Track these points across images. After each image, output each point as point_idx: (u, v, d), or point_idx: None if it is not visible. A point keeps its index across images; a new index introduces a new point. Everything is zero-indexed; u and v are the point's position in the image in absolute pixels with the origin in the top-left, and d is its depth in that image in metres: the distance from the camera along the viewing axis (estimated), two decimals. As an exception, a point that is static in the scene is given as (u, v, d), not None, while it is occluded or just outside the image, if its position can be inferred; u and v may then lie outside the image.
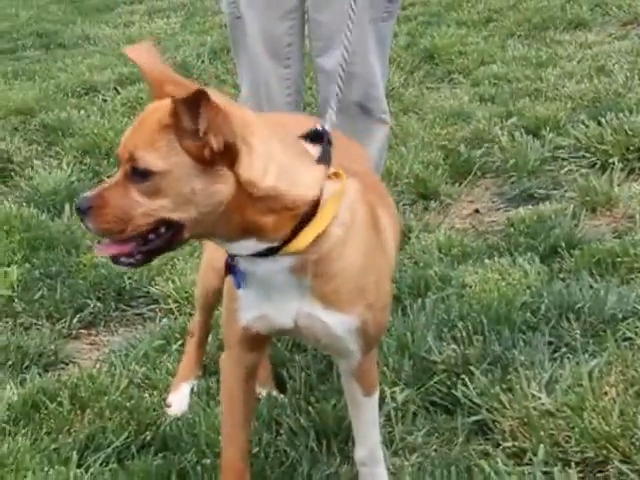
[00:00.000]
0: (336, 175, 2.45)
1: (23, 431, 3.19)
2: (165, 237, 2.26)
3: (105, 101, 7.23)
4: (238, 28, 4.04)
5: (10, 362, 3.69)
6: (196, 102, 2.14)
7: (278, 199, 2.28)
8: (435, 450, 2.97)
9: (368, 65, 4.01)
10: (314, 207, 2.35)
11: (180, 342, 3.68)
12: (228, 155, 2.20)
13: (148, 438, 3.15)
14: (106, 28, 10.25)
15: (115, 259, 2.29)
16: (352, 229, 2.43)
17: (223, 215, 2.24)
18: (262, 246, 2.32)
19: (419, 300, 3.80)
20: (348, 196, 2.44)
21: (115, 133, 6.24)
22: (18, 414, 3.30)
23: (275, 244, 2.32)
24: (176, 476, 2.91)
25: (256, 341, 2.57)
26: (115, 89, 7.40)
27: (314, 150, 2.49)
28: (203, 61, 8.13)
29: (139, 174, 2.19)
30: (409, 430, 3.08)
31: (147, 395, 3.39)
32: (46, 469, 2.95)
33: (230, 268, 2.45)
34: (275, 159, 2.29)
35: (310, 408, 3.14)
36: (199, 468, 2.92)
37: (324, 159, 2.46)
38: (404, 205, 4.98)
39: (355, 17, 3.85)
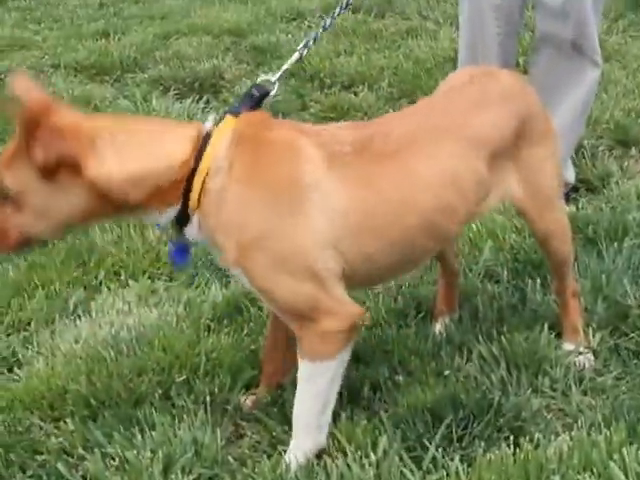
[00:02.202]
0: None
1: (226, 330, 3.37)
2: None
3: (311, 27, 7.36)
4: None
5: (215, 264, 3.86)
6: (31, 122, 2.33)
7: (142, 179, 2.45)
8: (625, 393, 2.96)
9: (583, 4, 4.01)
10: (196, 163, 2.48)
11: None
12: (69, 167, 2.38)
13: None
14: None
15: None
16: (230, 179, 2.49)
17: (98, 213, 2.49)
18: (170, 214, 2.52)
19: (615, 244, 3.77)
20: (226, 143, 2.51)
21: (319, 58, 6.39)
22: (222, 314, 3.49)
23: (177, 210, 2.51)
24: (368, 388, 3.01)
25: None
26: (321, 16, 7.51)
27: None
28: (406, -4, 8.14)
29: (4, 193, 2.46)
30: (600, 371, 3.09)
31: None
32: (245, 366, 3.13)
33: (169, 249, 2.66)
34: (124, 149, 2.44)
35: (502, 337, 3.18)
36: (390, 383, 3.02)
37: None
38: (602, 150, 4.92)
39: None
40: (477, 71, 3.11)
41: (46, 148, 2.34)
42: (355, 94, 5.95)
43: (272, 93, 2.76)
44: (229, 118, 2.58)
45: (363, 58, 6.49)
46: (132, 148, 2.46)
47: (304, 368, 2.62)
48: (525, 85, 3.07)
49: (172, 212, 2.53)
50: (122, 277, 3.90)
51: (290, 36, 7.08)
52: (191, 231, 2.56)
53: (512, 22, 4.14)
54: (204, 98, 5.96)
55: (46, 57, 6.99)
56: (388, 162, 2.62)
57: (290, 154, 2.54)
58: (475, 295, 3.52)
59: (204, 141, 2.51)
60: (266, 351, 3.06)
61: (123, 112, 5.47)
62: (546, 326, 3.23)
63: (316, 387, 2.63)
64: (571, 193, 4.39)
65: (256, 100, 2.71)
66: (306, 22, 7.55)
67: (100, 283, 3.86)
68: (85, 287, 3.83)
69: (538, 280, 3.55)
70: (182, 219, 2.54)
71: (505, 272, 3.66)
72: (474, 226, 3.95)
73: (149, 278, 3.88)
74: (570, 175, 4.38)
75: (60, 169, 2.38)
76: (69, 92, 6.04)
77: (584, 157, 4.73)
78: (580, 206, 4.26)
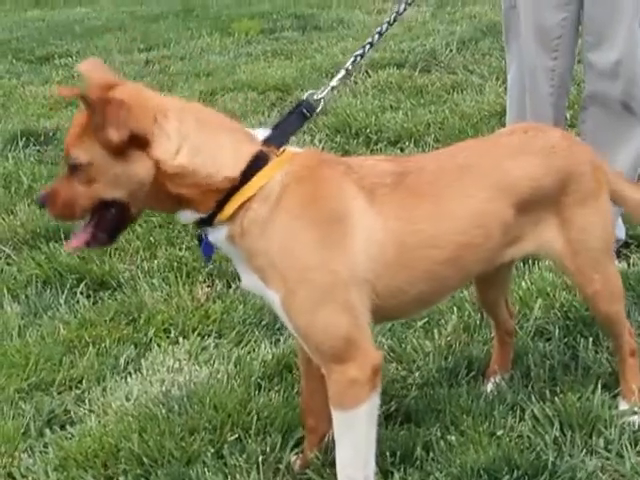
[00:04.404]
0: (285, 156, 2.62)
1: (276, 388, 3.37)
2: (114, 215, 2.60)
3: (356, 83, 7.41)
4: (512, 17, 4.12)
5: (264, 322, 3.89)
6: (101, 101, 2.42)
7: (192, 175, 2.52)
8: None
9: (634, 65, 4.01)
10: (241, 182, 2.56)
11: (424, 321, 3.78)
12: (138, 142, 2.47)
13: (392, 409, 3.23)
14: (360, 14, 10.47)
15: (87, 246, 2.65)
16: (279, 209, 2.57)
17: (152, 191, 2.53)
18: (198, 215, 2.59)
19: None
20: (281, 177, 2.58)
21: (365, 114, 6.42)
22: (272, 372, 3.49)
23: (205, 215, 2.58)
24: (421, 448, 2.98)
25: None
26: (366, 72, 7.57)
27: (262, 132, 2.66)
28: (451, 50, 8.16)
29: (74, 167, 2.55)
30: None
31: (392, 367, 3.50)
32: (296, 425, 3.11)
33: (199, 239, 2.70)
34: (189, 140, 2.52)
35: (555, 397, 3.15)
36: (443, 443, 2.98)
37: (274, 140, 2.64)
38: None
39: (629, 17, 3.87)
40: (530, 126, 3.16)
41: (118, 127, 2.43)
42: (401, 150, 5.97)
43: (318, 110, 2.87)
44: (288, 153, 2.64)
45: (409, 113, 6.51)
46: (193, 140, 2.53)
47: (337, 419, 2.66)
48: (574, 144, 3.06)
49: (200, 215, 2.60)
50: (172, 334, 3.91)
51: (335, 92, 7.12)
52: (214, 236, 2.63)
53: (564, 83, 4.15)
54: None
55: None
56: (421, 196, 2.71)
57: (337, 191, 2.63)
58: (526, 354, 3.49)
59: (255, 162, 2.57)
60: (304, 404, 3.05)
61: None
62: (599, 385, 3.19)
63: (354, 437, 2.66)
64: (622, 249, 4.36)
65: (303, 116, 2.81)
66: (352, 78, 7.58)
67: (150, 340, 3.88)
68: (135, 344, 3.85)
69: (590, 338, 3.52)
70: (206, 223, 2.61)
71: (556, 330, 3.62)
72: (524, 284, 3.93)
73: (199, 335, 3.89)
74: (621, 231, 4.34)
75: (130, 145, 2.47)
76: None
77: (635, 213, 4.69)
78: (631, 262, 4.23)
